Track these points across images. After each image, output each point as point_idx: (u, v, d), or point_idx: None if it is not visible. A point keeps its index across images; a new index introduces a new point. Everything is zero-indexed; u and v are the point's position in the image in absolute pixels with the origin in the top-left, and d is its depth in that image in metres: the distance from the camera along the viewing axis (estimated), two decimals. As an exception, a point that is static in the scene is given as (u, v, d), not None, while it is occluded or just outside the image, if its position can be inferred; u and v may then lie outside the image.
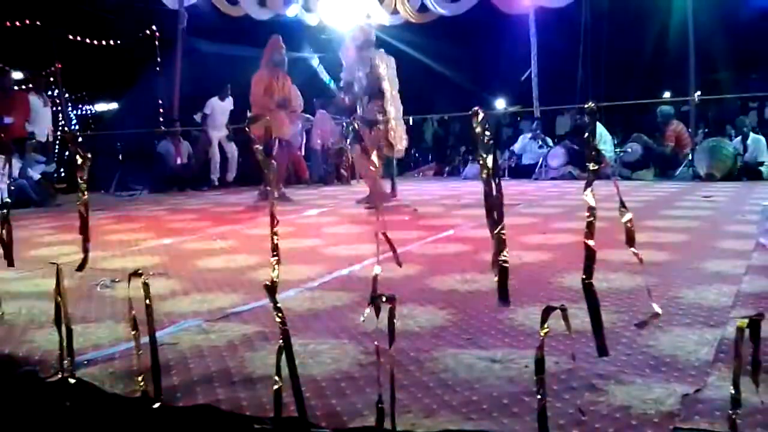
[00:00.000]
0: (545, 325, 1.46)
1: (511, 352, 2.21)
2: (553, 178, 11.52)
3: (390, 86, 7.18)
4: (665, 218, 5.53)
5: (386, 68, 7.23)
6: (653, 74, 15.33)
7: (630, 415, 1.72)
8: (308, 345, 2.35)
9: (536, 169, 11.94)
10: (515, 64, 13.97)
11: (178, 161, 11.68)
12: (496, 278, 1.72)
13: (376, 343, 1.68)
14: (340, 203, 8.08)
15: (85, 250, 2.11)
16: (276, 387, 1.76)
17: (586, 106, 1.38)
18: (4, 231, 2.26)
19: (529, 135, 12.72)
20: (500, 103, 15.98)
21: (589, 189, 1.44)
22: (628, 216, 1.53)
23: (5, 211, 2.32)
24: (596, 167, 1.45)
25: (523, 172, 12.02)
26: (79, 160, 1.86)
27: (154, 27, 13.65)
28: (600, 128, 11.42)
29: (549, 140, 12.78)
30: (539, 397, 1.48)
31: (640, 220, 1.64)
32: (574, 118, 13.93)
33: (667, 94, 15.84)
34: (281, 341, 1.77)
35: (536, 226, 5.27)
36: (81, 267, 2.19)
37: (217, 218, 6.74)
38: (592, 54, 15.36)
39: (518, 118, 13.20)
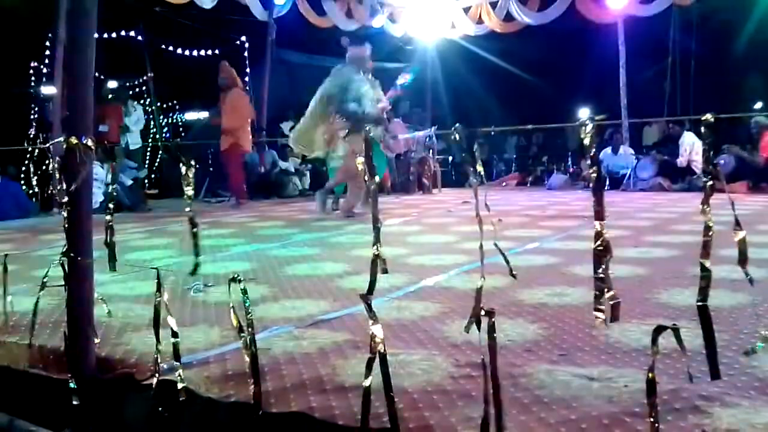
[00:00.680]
0: (656, 345, 1.39)
1: (608, 370, 2.14)
2: (642, 190, 11.24)
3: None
4: (762, 233, 5.29)
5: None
6: (743, 85, 14.84)
7: (738, 440, 1.64)
8: (398, 355, 2.33)
9: (625, 180, 11.68)
10: (602, 73, 13.72)
11: (262, 170, 11.93)
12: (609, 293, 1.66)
13: (482, 357, 1.65)
14: (423, 212, 8.08)
15: (196, 254, 2.15)
16: (365, 398, 1.76)
17: (703, 118, 1.32)
18: (107, 236, 2.32)
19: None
20: (584, 113, 15.71)
21: (706, 207, 1.37)
22: (741, 235, 1.45)
23: (109, 217, 2.39)
24: (713, 183, 1.38)
25: (610, 182, 11.76)
26: (184, 169, 1.89)
27: (243, 38, 13.99)
28: (693, 138, 11.08)
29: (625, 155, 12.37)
30: (652, 420, 1.41)
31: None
32: (664, 128, 13.56)
33: (758, 105, 15.28)
34: (377, 352, 1.75)
35: (628, 239, 5.12)
36: (194, 272, 2.22)
37: (304, 225, 6.84)
38: (681, 64, 14.97)
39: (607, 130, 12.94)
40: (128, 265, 2.57)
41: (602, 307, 1.78)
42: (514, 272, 1.91)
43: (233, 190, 10.35)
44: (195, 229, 2.01)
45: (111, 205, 2.41)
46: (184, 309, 3.18)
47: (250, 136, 10.14)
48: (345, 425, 1.83)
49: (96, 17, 2.34)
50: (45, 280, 2.59)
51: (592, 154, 1.44)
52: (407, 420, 1.82)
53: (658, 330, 1.41)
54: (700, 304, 1.40)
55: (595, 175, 1.62)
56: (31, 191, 11.12)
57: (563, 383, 2.03)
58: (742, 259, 1.52)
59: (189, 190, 1.81)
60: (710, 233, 1.40)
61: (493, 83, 16.36)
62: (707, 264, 1.42)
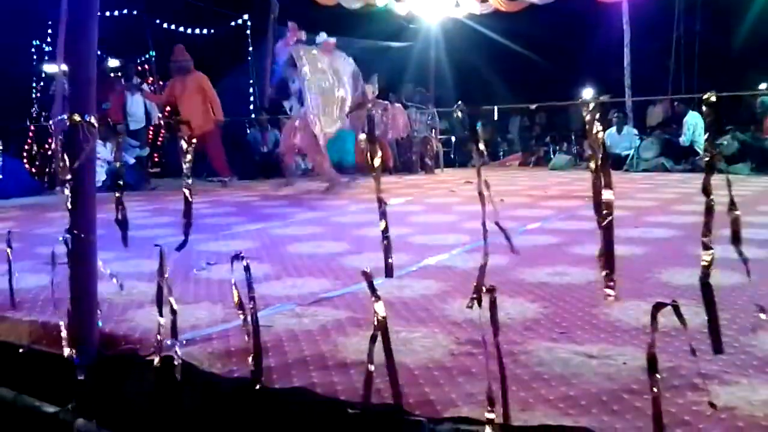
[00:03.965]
0: (655, 322, 1.40)
1: (607, 348, 2.16)
2: (645, 170, 11.23)
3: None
4: (763, 214, 5.30)
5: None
6: (748, 64, 14.75)
7: (735, 416, 1.65)
8: (399, 333, 2.35)
9: (627, 161, 11.66)
10: (606, 53, 13.66)
11: (264, 149, 11.91)
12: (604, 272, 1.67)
13: (483, 335, 1.66)
14: (425, 192, 8.08)
15: (186, 233, 2.17)
16: (369, 373, 1.77)
17: (705, 96, 1.32)
18: (119, 213, 2.33)
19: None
20: (588, 93, 15.63)
21: (707, 186, 1.38)
22: (735, 214, 1.46)
23: (119, 194, 2.39)
24: (712, 162, 1.38)
25: (613, 163, 11.75)
26: (184, 146, 1.90)
27: (246, 16, 13.91)
28: (697, 119, 11.04)
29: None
30: (654, 395, 1.41)
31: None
32: (668, 109, 13.51)
33: (763, 86, 15.19)
34: (378, 329, 1.77)
35: (629, 219, 5.12)
36: (181, 247, 2.25)
37: (306, 204, 6.85)
38: (686, 44, 14.88)
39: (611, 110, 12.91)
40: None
41: (612, 284, 1.78)
42: (514, 249, 1.91)
43: (221, 168, 10.29)
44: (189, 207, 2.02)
45: (120, 182, 2.40)
46: (188, 286, 3.20)
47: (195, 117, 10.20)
48: (346, 400, 1.85)
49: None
50: (51, 257, 2.60)
51: (597, 133, 1.44)
52: (408, 395, 1.84)
53: (658, 307, 1.42)
54: (702, 279, 1.41)
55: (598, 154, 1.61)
56: (33, 169, 11.13)
57: (563, 360, 2.05)
58: (736, 239, 1.52)
59: (187, 168, 1.81)
60: (711, 211, 1.40)
61: (497, 63, 16.29)
62: (707, 241, 1.43)
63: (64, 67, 8.75)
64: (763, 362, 2.03)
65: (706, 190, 1.47)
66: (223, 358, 2.18)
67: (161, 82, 14.68)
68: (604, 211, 1.52)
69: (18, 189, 8.83)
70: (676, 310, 1.39)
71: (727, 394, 1.77)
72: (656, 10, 13.69)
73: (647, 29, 13.51)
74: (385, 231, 1.93)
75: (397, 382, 1.77)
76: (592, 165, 1.49)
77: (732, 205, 1.55)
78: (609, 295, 1.71)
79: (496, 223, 1.77)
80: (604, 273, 1.70)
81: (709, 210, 1.49)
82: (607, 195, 1.51)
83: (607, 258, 1.62)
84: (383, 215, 1.91)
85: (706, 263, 1.42)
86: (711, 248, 1.45)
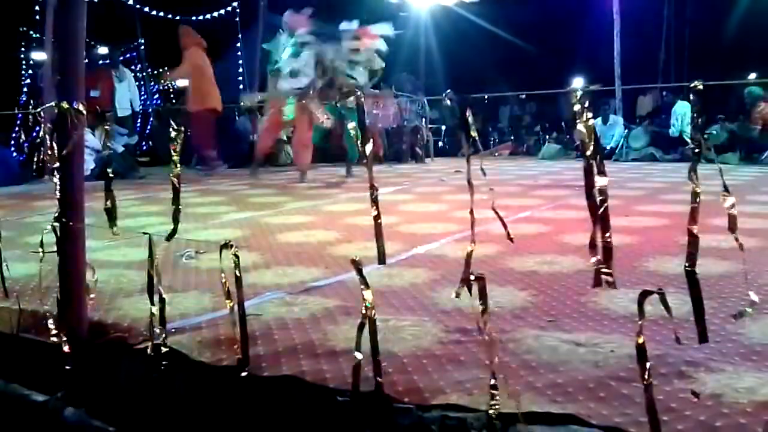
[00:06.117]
0: (643, 310, 1.40)
1: (595, 336, 2.17)
2: (634, 160, 11.26)
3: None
4: (753, 203, 5.34)
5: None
6: (738, 54, 14.80)
7: (721, 403, 1.66)
8: (388, 321, 2.36)
9: (617, 150, 11.69)
10: (597, 42, 13.66)
11: (254, 138, 11.85)
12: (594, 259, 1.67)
13: (479, 324, 1.66)
14: (415, 181, 8.08)
15: (176, 220, 2.16)
16: (357, 361, 1.78)
17: (692, 84, 1.33)
18: (107, 201, 2.32)
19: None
20: (578, 82, 15.63)
21: (693, 173, 1.38)
22: (730, 201, 1.46)
23: (109, 181, 2.37)
24: (699, 150, 1.39)
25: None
26: (173, 134, 1.89)
27: (235, 3, 13.83)
28: (685, 108, 11.07)
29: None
30: (645, 384, 1.42)
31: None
32: (657, 99, 13.54)
33: (752, 76, 15.25)
34: (366, 317, 1.77)
35: (618, 208, 5.14)
36: (170, 236, 2.24)
37: (296, 194, 6.84)
38: (676, 33, 14.91)
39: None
40: (115, 232, 2.50)
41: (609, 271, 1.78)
42: (511, 236, 1.92)
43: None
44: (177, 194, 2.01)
45: (109, 170, 2.37)
46: (177, 275, 3.19)
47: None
48: (336, 388, 1.85)
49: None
50: (40, 246, 2.59)
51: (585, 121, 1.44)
52: (397, 383, 1.85)
53: (644, 295, 1.42)
54: (688, 269, 1.41)
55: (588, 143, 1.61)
56: (21, 158, 11.06)
57: (551, 348, 2.06)
58: (732, 226, 1.53)
59: (175, 155, 1.81)
60: (698, 199, 1.41)
61: (487, 51, 16.26)
62: (695, 230, 1.44)
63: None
64: (749, 350, 2.05)
65: (692, 178, 1.48)
66: (212, 346, 2.18)
67: (150, 69, 14.61)
68: (599, 198, 1.52)
69: (6, 178, 8.77)
70: (663, 298, 1.40)
71: (713, 382, 1.78)
72: (647, 0, 13.71)
73: (638, 18, 13.53)
74: (378, 218, 1.93)
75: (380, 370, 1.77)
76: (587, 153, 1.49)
77: (725, 191, 1.55)
78: (608, 282, 1.70)
79: (493, 209, 1.77)
80: (594, 259, 1.70)
81: (695, 198, 1.50)
82: (601, 182, 1.51)
83: (604, 245, 1.62)
84: (375, 202, 1.91)
85: (691, 251, 1.43)
86: (696, 236, 1.46)
